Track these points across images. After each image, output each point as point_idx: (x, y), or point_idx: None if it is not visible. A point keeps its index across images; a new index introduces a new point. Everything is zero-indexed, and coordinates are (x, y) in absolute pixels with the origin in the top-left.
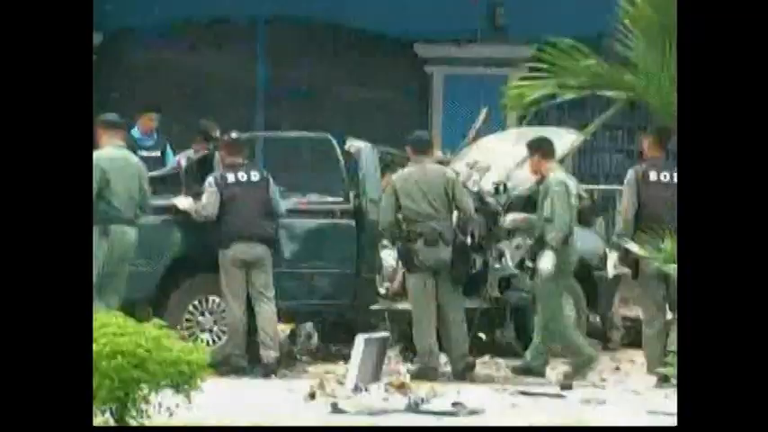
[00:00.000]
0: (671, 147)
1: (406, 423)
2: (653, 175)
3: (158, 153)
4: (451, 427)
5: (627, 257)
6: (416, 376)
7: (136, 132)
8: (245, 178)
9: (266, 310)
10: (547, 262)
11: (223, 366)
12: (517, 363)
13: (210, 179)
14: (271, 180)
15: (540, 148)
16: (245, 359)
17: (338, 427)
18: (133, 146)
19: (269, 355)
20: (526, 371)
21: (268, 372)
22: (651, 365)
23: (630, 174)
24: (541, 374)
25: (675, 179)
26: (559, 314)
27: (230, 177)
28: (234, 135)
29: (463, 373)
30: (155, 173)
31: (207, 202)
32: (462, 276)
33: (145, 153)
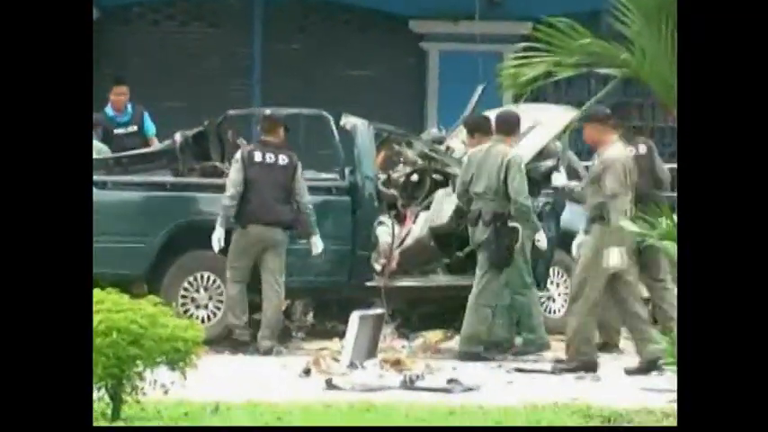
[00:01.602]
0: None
1: (401, 399)
2: (632, 150)
3: (135, 128)
4: (452, 427)
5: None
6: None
7: (109, 111)
8: (272, 159)
9: (272, 297)
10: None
11: (219, 342)
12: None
13: (238, 155)
14: (299, 166)
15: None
16: (247, 333)
17: (338, 427)
18: (108, 126)
19: (263, 343)
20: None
21: (262, 353)
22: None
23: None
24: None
25: (642, 151)
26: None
27: (257, 156)
28: (267, 112)
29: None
30: (150, 149)
31: (231, 178)
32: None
33: (122, 131)
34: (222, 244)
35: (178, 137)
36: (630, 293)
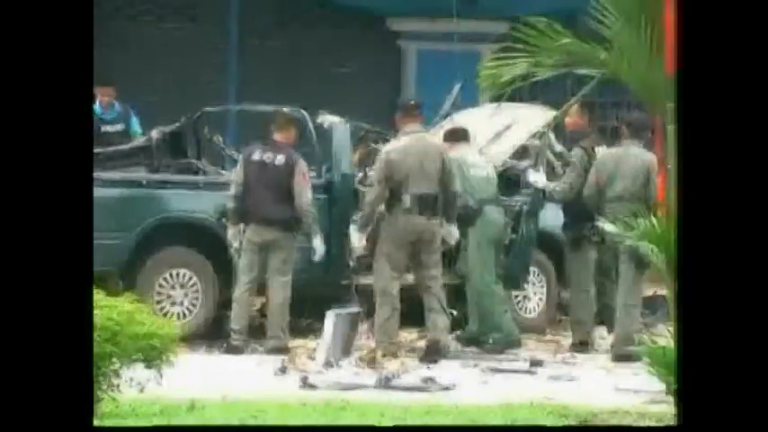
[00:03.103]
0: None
1: (377, 397)
2: (597, 150)
3: (121, 126)
4: (452, 427)
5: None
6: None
7: (96, 108)
8: (269, 159)
9: (272, 297)
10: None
11: (195, 339)
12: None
13: (241, 154)
14: (298, 167)
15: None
16: (241, 339)
17: (339, 427)
18: (95, 123)
19: (267, 342)
20: (471, 340)
21: (266, 352)
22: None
23: (579, 152)
24: (512, 345)
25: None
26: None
27: (255, 155)
28: (284, 109)
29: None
30: (126, 146)
31: (233, 177)
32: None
33: (109, 128)
34: (239, 239)
35: (154, 133)
36: None
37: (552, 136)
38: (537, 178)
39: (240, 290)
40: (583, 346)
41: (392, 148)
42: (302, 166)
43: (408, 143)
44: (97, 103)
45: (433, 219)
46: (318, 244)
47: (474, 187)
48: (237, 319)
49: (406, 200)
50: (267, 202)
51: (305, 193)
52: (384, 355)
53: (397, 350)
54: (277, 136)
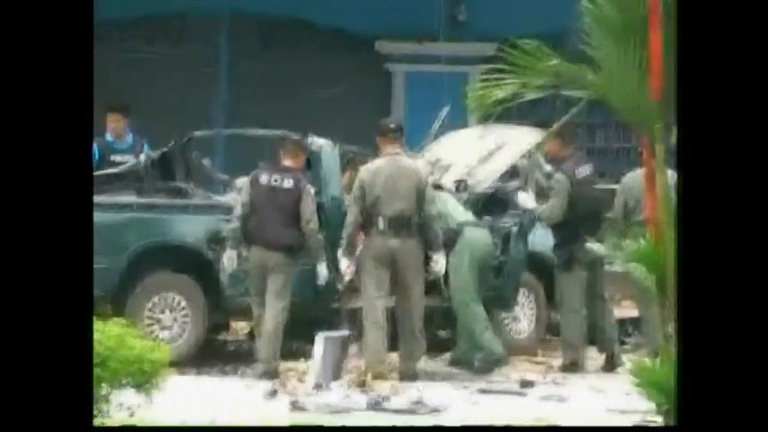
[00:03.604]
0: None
1: (367, 420)
2: (579, 172)
3: (131, 157)
4: (451, 427)
5: (560, 251)
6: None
7: (108, 137)
8: (276, 182)
9: (267, 320)
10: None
11: (185, 363)
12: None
13: (247, 177)
14: (305, 190)
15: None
16: (270, 362)
17: (338, 427)
18: (106, 151)
19: (257, 366)
20: (460, 362)
21: (258, 377)
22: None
23: (562, 178)
24: (497, 364)
25: (590, 173)
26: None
27: (263, 178)
28: (294, 136)
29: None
30: (115, 170)
31: (239, 199)
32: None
33: (118, 158)
34: (235, 265)
35: (143, 157)
36: None
37: (540, 157)
38: (526, 200)
39: (256, 312)
40: (573, 366)
41: (365, 169)
42: (310, 190)
43: (381, 165)
44: (109, 130)
45: (409, 240)
46: (321, 269)
47: (451, 210)
48: (263, 343)
49: (380, 222)
50: (273, 226)
51: (313, 218)
52: (374, 378)
53: (386, 370)
54: (286, 160)
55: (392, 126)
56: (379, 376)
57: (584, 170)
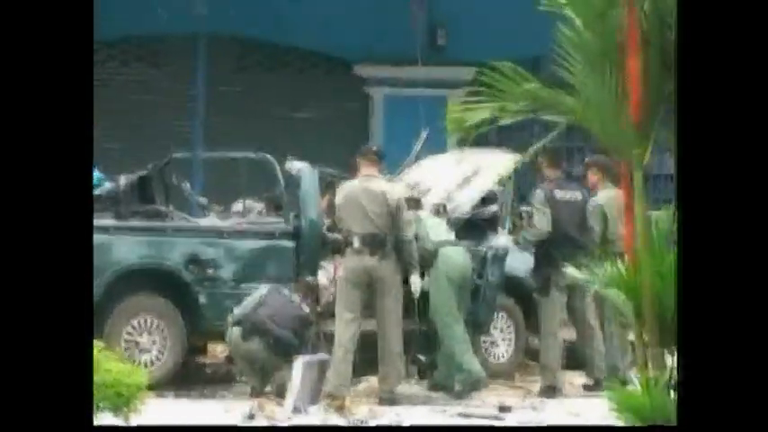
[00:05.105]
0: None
1: None
2: (558, 194)
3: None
4: (450, 427)
5: (538, 274)
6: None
7: None
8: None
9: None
10: None
11: (163, 386)
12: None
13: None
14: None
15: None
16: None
17: (338, 427)
18: None
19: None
20: (439, 386)
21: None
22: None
23: (540, 194)
24: (477, 386)
25: (576, 197)
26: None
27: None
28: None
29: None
30: (94, 192)
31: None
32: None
33: None
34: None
35: (122, 180)
36: None
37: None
38: (501, 242)
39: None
40: (550, 390)
41: (339, 190)
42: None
43: (354, 186)
44: None
45: (385, 260)
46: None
47: (430, 231)
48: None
49: (355, 240)
50: None
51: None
52: (333, 406)
53: (348, 392)
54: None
55: (373, 149)
56: (339, 396)
57: (567, 194)
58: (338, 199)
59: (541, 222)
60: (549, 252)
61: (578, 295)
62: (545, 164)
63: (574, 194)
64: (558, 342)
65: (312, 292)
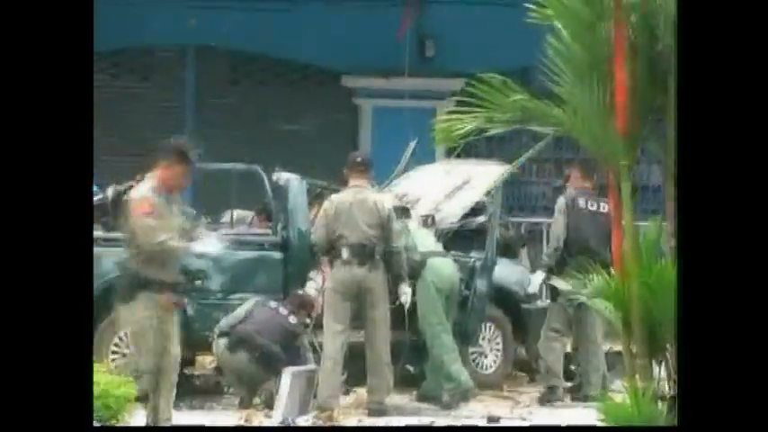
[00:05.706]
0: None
1: None
2: (581, 203)
3: None
4: (451, 427)
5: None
6: None
7: None
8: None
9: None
10: None
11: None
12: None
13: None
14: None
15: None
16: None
17: (338, 427)
18: None
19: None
20: (427, 397)
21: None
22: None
23: (561, 201)
24: (466, 396)
25: (604, 209)
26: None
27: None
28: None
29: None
30: None
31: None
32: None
33: None
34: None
35: (110, 191)
36: None
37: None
38: (536, 280)
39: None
40: (552, 392)
41: (329, 200)
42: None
43: (344, 197)
44: None
45: (374, 270)
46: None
47: (418, 241)
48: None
49: (344, 251)
50: None
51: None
52: (323, 417)
53: (337, 404)
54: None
55: (360, 159)
56: (327, 407)
57: (588, 204)
58: (327, 208)
59: (557, 230)
60: (564, 259)
61: (586, 308)
62: (577, 176)
63: (601, 206)
64: (562, 343)
65: (307, 307)
